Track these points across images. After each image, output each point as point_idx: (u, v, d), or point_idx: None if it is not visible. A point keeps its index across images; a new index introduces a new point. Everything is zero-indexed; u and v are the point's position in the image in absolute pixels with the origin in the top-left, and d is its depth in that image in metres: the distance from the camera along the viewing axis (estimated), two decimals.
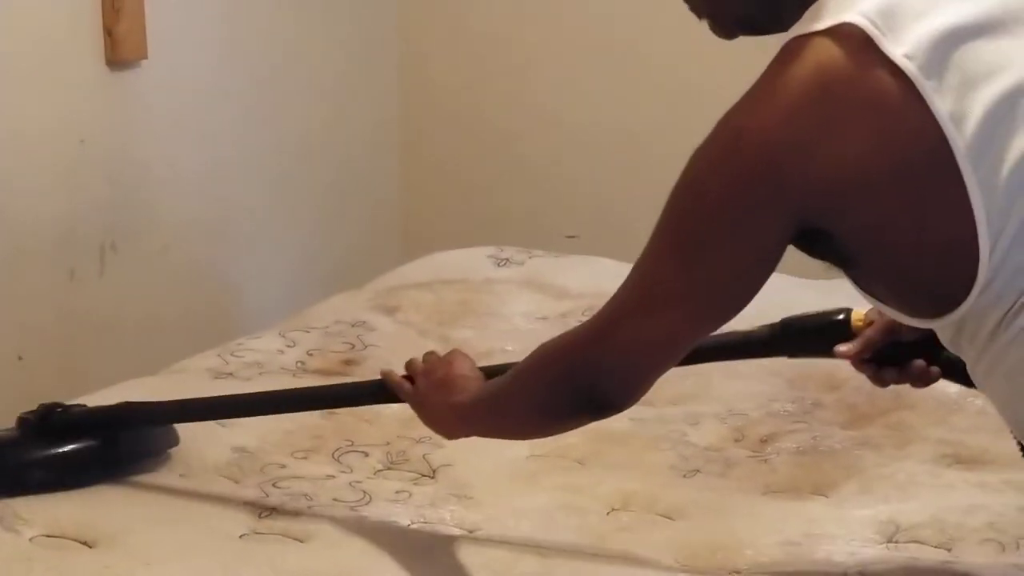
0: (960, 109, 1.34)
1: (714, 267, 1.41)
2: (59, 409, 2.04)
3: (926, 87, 1.34)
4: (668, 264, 1.43)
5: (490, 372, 1.74)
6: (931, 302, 1.43)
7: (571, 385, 1.50)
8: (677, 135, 3.50)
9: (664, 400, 2.26)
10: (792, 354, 1.88)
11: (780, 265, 1.46)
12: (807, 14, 1.40)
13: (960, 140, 1.34)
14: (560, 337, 1.55)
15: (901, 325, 1.61)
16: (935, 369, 1.71)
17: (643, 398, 2.24)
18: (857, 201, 1.37)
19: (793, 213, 1.38)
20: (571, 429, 1.66)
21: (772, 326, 1.80)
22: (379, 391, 1.85)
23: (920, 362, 1.72)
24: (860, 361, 1.76)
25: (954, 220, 1.36)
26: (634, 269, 1.48)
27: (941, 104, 1.34)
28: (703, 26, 1.54)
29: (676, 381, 2.28)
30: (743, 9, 1.49)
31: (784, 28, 1.43)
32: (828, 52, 1.35)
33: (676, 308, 1.44)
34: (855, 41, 1.35)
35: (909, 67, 1.34)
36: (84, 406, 2.08)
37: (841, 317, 1.77)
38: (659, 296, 1.44)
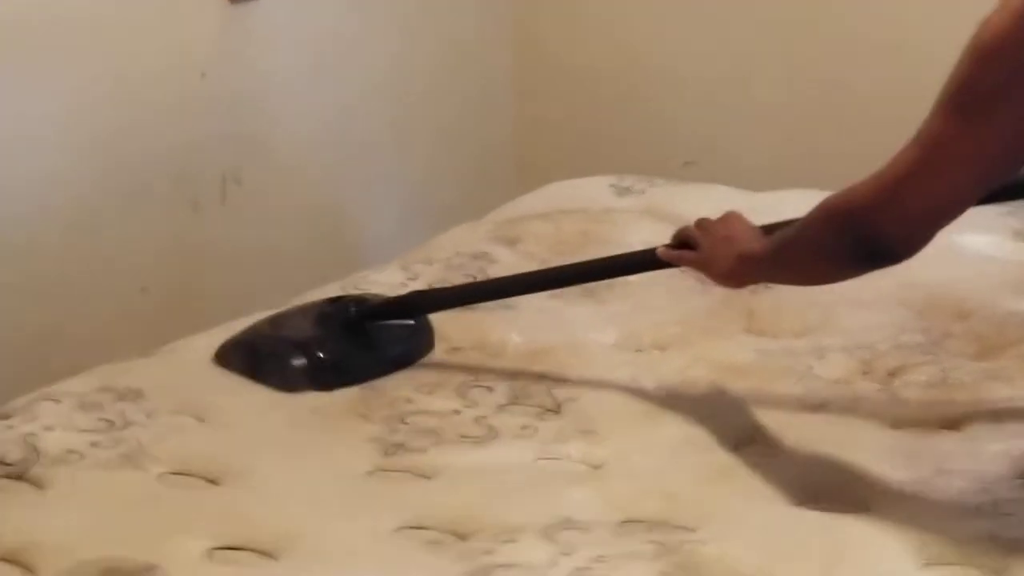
0: None
1: (1003, 127, 1.47)
2: (353, 305, 2.14)
3: None
4: (952, 127, 1.49)
5: (768, 229, 1.85)
6: None
7: (862, 238, 1.59)
8: (789, 60, 3.47)
9: (788, 332, 2.23)
10: None
11: None
12: None
13: None
14: (843, 195, 1.62)
15: None
16: None
17: (768, 329, 2.25)
18: None
19: None
20: (856, 276, 1.73)
21: None
22: (652, 260, 2.00)
23: None
24: None
25: None
26: (918, 134, 1.53)
27: None
28: None
29: (800, 312, 2.27)
30: None
31: None
32: None
33: (962, 169, 1.51)
34: None
35: None
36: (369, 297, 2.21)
37: None
38: (945, 157, 1.51)
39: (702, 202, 2.73)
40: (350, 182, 3.40)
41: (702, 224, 1.95)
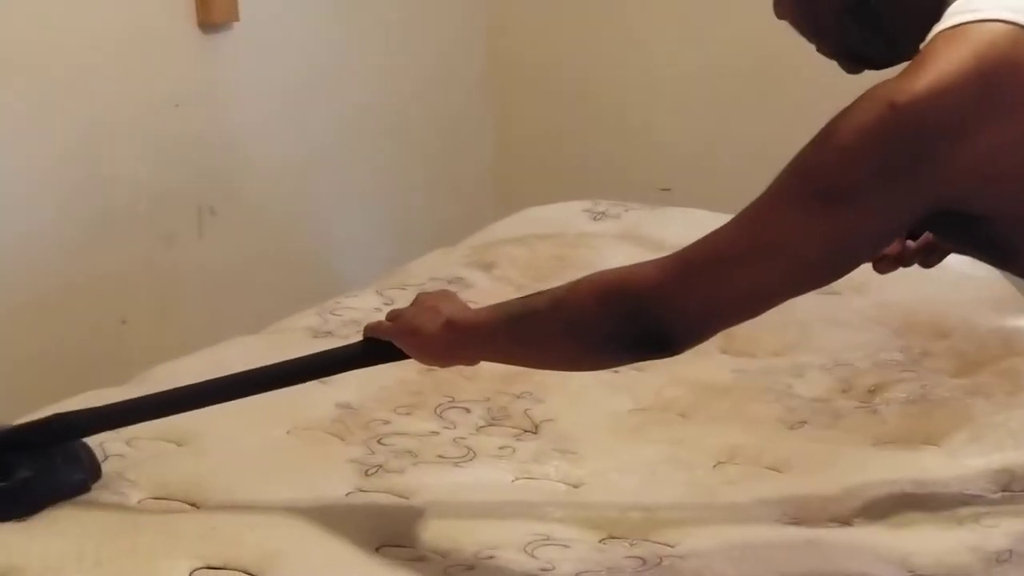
0: None
1: (839, 224, 1.36)
2: None
3: None
4: (789, 212, 1.37)
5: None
6: None
7: (636, 321, 1.43)
8: (767, 88, 3.49)
9: (767, 351, 2.23)
10: None
11: None
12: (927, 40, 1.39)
13: None
14: (624, 273, 1.47)
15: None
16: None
17: (746, 349, 2.25)
18: (1010, 188, 1.35)
19: (933, 191, 1.35)
20: (611, 366, 1.61)
21: None
22: (353, 355, 1.73)
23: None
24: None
25: None
26: (739, 217, 1.43)
27: None
28: None
29: (777, 331, 2.27)
30: (861, 48, 1.52)
31: (900, 61, 1.44)
32: (985, 39, 1.34)
33: (782, 259, 1.38)
34: (1010, 32, 1.34)
35: None
36: None
37: None
38: (768, 244, 1.39)
39: (678, 226, 2.75)
40: (326, 209, 3.40)
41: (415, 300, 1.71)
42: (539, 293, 1.56)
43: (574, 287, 1.50)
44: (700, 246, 1.44)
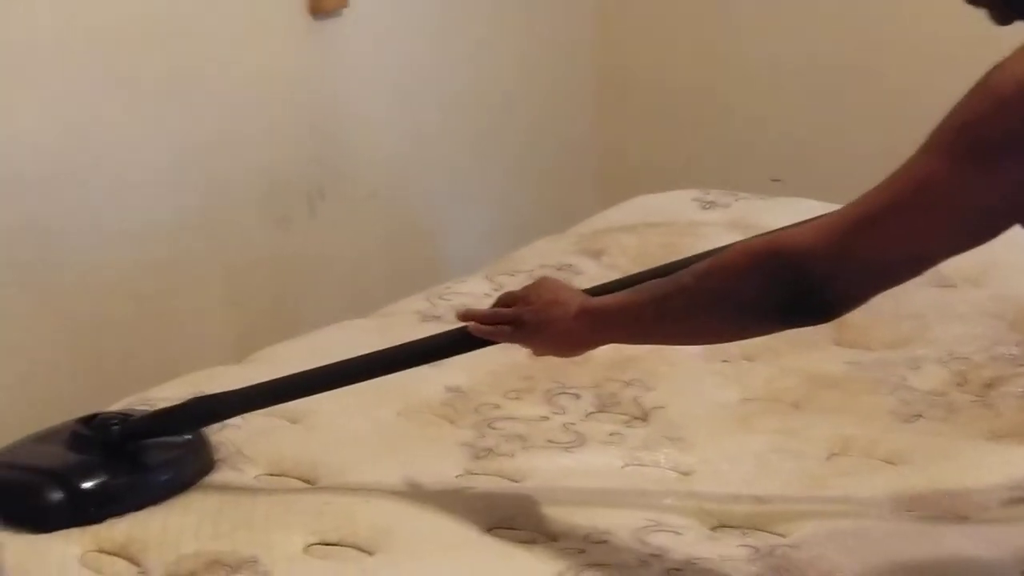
0: None
1: (998, 176, 1.31)
2: (114, 422, 1.80)
3: None
4: (947, 166, 1.32)
5: (591, 292, 1.67)
6: None
7: (793, 286, 1.39)
8: (879, 78, 3.44)
9: (881, 343, 2.21)
10: None
11: None
12: None
13: None
14: (777, 237, 1.44)
15: None
16: None
17: (859, 341, 2.22)
18: None
19: None
20: (763, 334, 1.56)
21: None
22: (460, 341, 1.74)
23: None
24: None
25: None
26: (894, 175, 1.37)
27: None
28: None
29: (893, 324, 2.24)
30: None
31: None
32: None
33: (941, 214, 1.34)
34: None
35: None
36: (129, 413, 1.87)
37: None
38: (926, 199, 1.34)
39: (789, 215, 2.71)
40: (434, 195, 3.42)
41: (514, 296, 1.72)
42: (679, 272, 1.53)
43: (721, 257, 1.47)
44: (856, 206, 1.39)
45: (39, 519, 1.66)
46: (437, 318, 2.38)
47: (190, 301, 2.81)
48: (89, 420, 1.80)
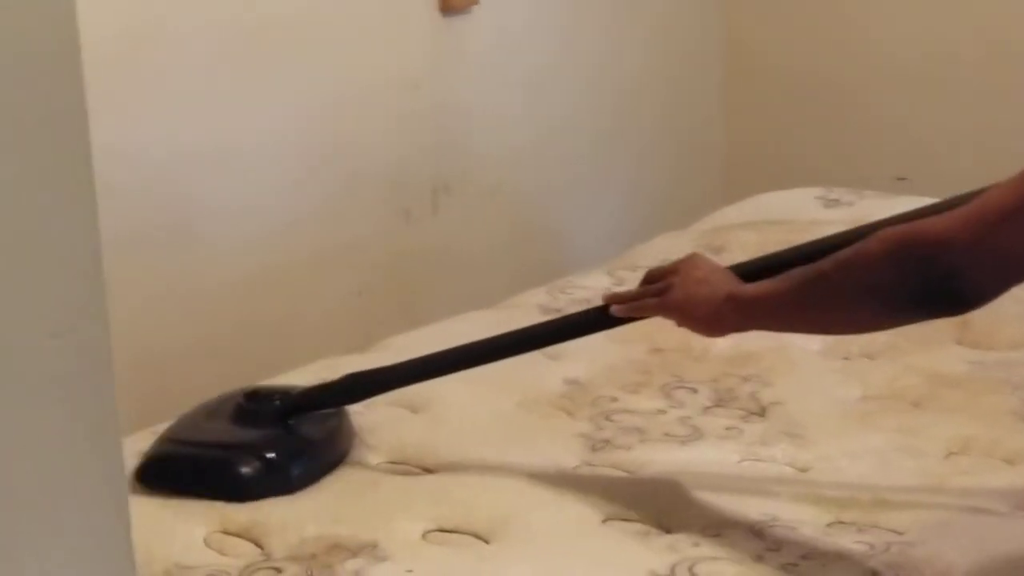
0: None
1: None
2: (277, 396, 1.87)
3: None
4: None
5: (735, 269, 1.70)
6: None
7: (930, 277, 1.40)
8: (1006, 76, 3.39)
9: (1006, 344, 2.19)
10: None
11: None
12: None
13: None
14: (916, 227, 1.43)
15: None
16: None
17: (982, 341, 2.20)
18: None
19: None
20: (901, 325, 1.57)
21: None
22: (599, 319, 1.78)
23: None
24: None
25: None
26: None
27: None
28: None
29: (1016, 324, 2.21)
30: None
31: None
32: None
33: None
34: None
35: None
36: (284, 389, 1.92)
37: None
38: None
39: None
40: (555, 190, 3.44)
41: (663, 269, 1.76)
42: (822, 261, 1.54)
43: (862, 246, 1.48)
44: (992, 197, 1.39)
45: (238, 490, 1.73)
46: (558, 311, 2.40)
47: (319, 293, 2.87)
48: (252, 395, 1.87)
